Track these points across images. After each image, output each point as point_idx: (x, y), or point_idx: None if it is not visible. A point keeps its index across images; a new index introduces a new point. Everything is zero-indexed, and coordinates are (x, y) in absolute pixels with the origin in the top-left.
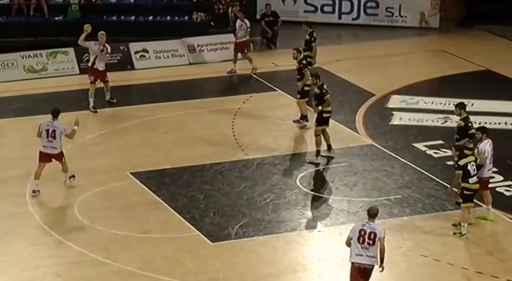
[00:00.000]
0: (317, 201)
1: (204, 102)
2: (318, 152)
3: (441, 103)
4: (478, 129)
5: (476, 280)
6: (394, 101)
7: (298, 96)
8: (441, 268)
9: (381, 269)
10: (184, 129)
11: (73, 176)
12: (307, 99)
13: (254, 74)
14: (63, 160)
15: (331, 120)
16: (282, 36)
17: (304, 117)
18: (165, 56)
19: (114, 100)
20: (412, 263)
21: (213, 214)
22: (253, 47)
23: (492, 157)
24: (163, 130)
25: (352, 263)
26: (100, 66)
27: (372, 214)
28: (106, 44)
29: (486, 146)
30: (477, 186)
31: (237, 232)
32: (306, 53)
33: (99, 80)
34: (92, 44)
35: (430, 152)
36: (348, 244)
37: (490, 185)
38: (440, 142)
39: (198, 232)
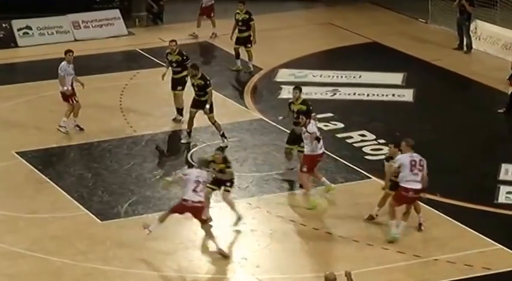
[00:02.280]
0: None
1: (90, 79)
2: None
3: (329, 76)
4: (301, 113)
5: (368, 251)
6: (283, 75)
7: (180, 88)
8: (333, 240)
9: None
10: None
11: None
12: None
13: (213, 37)
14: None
15: (219, 95)
16: (168, 11)
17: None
18: (50, 33)
19: None
20: (304, 236)
21: (101, 193)
22: (139, 22)
23: (321, 134)
24: (48, 108)
25: (401, 187)
26: None
27: (411, 144)
28: None
29: (314, 127)
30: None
31: (126, 210)
32: (246, 34)
33: None
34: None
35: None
36: (395, 174)
37: None
38: (330, 114)
39: (86, 211)
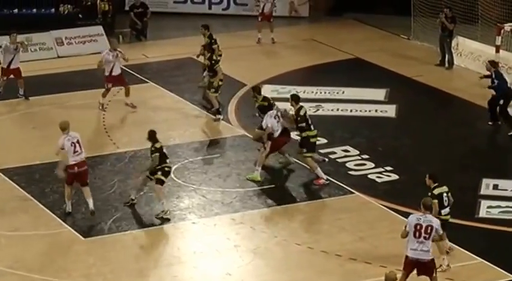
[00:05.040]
0: (191, 193)
1: (73, 95)
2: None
3: (313, 92)
4: (261, 109)
5: (350, 266)
6: (266, 91)
7: (213, 90)
8: (316, 255)
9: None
10: (54, 124)
11: None
12: (219, 93)
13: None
14: None
15: (204, 113)
16: (152, 28)
17: (217, 111)
18: (33, 50)
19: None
20: (287, 251)
21: (84, 209)
22: (123, 38)
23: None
24: (31, 125)
25: (406, 256)
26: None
27: (427, 206)
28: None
29: (271, 120)
30: (315, 132)
31: (110, 227)
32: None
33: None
34: (105, 55)
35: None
36: (404, 236)
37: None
38: None
39: (69, 227)
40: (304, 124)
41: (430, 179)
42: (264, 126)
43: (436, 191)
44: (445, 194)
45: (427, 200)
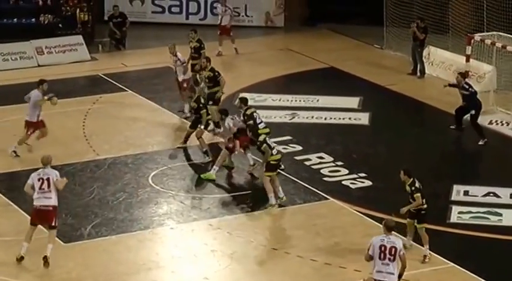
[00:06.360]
0: (169, 199)
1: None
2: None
3: (288, 100)
4: (209, 78)
5: (326, 271)
6: None
7: (211, 102)
8: (291, 260)
9: None
10: None
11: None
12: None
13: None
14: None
15: (181, 120)
16: (131, 37)
17: (216, 124)
18: (13, 59)
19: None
20: (264, 256)
21: (65, 215)
22: (102, 48)
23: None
24: (13, 133)
25: (372, 279)
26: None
27: (390, 226)
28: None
29: (231, 122)
30: (278, 156)
31: (89, 232)
32: (196, 62)
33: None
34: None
35: (279, 147)
36: (367, 259)
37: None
38: (289, 137)
39: None
40: (251, 122)
41: (405, 175)
42: (228, 127)
43: (417, 185)
44: (421, 187)
45: (389, 221)
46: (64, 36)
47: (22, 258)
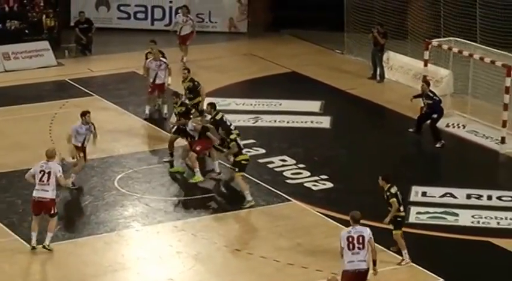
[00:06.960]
0: (135, 201)
1: (20, 108)
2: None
3: (251, 104)
4: (189, 89)
5: (288, 271)
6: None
7: (197, 114)
8: (255, 261)
9: (374, 272)
10: (1, 136)
11: None
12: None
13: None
14: None
15: (147, 124)
16: (97, 43)
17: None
18: None
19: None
20: (227, 257)
21: (31, 219)
22: (69, 53)
23: None
24: None
25: (344, 271)
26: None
27: (356, 218)
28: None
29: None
30: (247, 156)
31: (56, 235)
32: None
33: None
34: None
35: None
36: (342, 253)
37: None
38: (252, 140)
39: (17, 236)
40: (223, 125)
41: (383, 181)
42: (192, 128)
43: (392, 190)
44: (398, 193)
45: (354, 213)
46: (30, 41)
47: (34, 248)
